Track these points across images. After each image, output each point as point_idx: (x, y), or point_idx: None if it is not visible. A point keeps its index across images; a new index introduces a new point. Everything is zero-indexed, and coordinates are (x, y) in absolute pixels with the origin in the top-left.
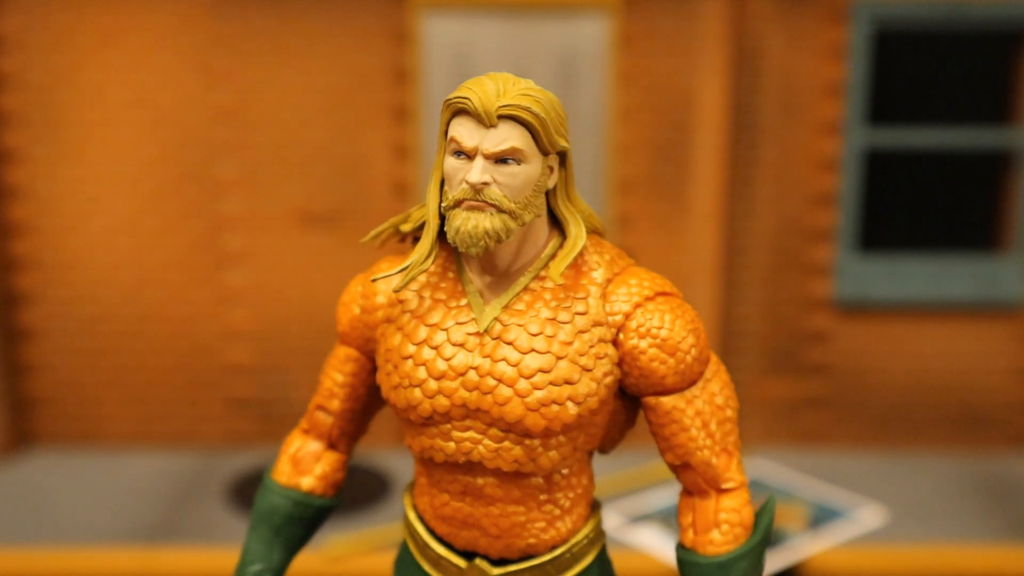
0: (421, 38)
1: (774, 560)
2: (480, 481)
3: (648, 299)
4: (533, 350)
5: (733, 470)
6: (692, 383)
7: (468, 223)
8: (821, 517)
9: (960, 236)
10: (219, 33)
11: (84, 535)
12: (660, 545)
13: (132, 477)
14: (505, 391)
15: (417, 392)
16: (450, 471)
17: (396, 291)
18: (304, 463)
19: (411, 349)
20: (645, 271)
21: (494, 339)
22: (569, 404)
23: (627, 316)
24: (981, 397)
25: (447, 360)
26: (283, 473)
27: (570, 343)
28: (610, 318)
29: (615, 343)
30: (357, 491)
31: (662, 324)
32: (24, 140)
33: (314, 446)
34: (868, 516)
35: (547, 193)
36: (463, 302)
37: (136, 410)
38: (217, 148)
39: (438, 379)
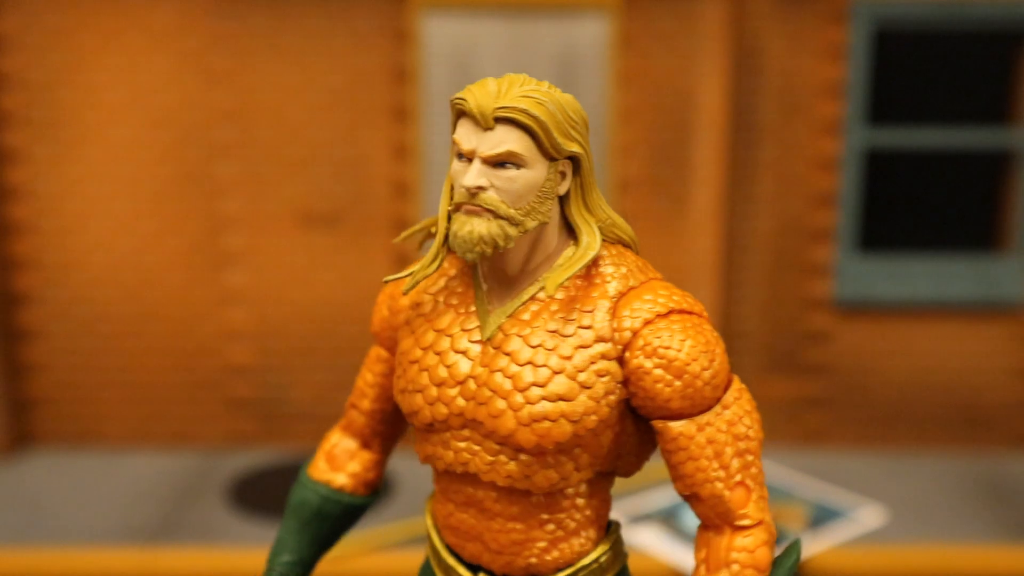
0: (421, 38)
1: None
2: (480, 494)
3: (660, 316)
4: (530, 362)
5: (750, 507)
6: (704, 409)
7: (464, 228)
8: (821, 517)
9: (960, 236)
10: (219, 33)
11: (84, 535)
12: (660, 545)
13: (132, 477)
14: (499, 403)
15: (419, 397)
16: (453, 480)
17: (404, 294)
18: (338, 460)
19: (418, 353)
20: (665, 286)
21: (495, 349)
22: (563, 421)
23: (635, 333)
24: (981, 397)
25: (448, 367)
26: (317, 468)
27: (569, 357)
28: (617, 334)
29: (621, 361)
30: None
31: (670, 344)
32: (24, 140)
33: (349, 444)
34: (868, 516)
35: (561, 199)
36: (472, 308)
37: (136, 410)
38: (217, 148)
39: (438, 386)
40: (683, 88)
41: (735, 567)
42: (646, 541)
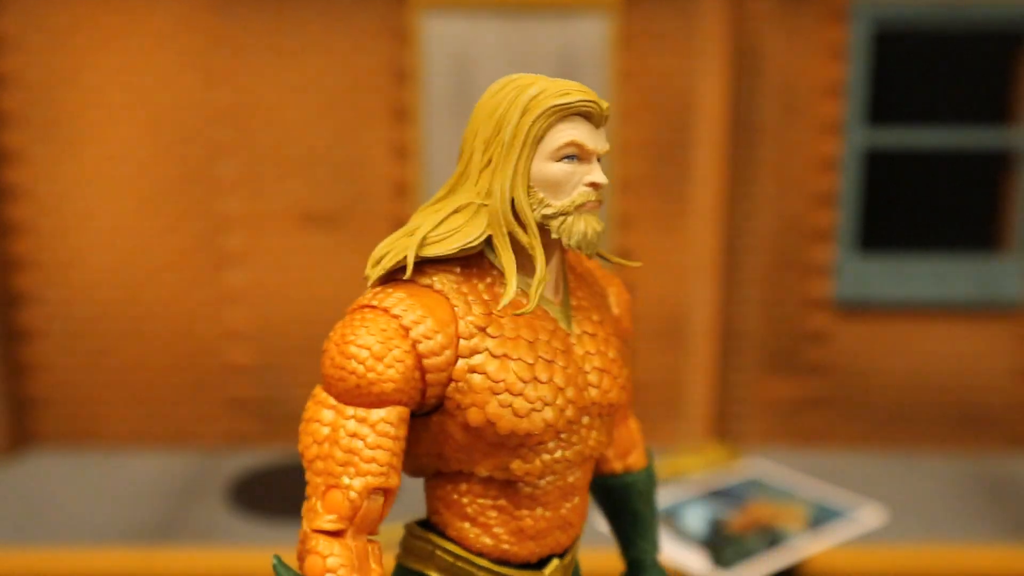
0: (421, 38)
1: (774, 560)
2: (571, 478)
3: (609, 273)
4: (609, 335)
5: None
6: None
7: (591, 226)
8: (821, 517)
9: (960, 236)
10: (219, 33)
11: (84, 535)
12: (660, 545)
13: (132, 477)
14: (608, 380)
15: (549, 412)
16: (556, 479)
17: (522, 314)
18: (364, 567)
19: (526, 369)
20: None
21: (579, 335)
22: (628, 376)
23: (607, 289)
24: (981, 397)
25: (564, 368)
26: None
27: (611, 323)
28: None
29: None
30: None
31: (621, 288)
32: (24, 140)
33: (360, 543)
34: (868, 516)
35: None
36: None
37: (136, 410)
38: (217, 148)
39: (562, 390)
40: (683, 88)
41: (640, 444)
42: None
